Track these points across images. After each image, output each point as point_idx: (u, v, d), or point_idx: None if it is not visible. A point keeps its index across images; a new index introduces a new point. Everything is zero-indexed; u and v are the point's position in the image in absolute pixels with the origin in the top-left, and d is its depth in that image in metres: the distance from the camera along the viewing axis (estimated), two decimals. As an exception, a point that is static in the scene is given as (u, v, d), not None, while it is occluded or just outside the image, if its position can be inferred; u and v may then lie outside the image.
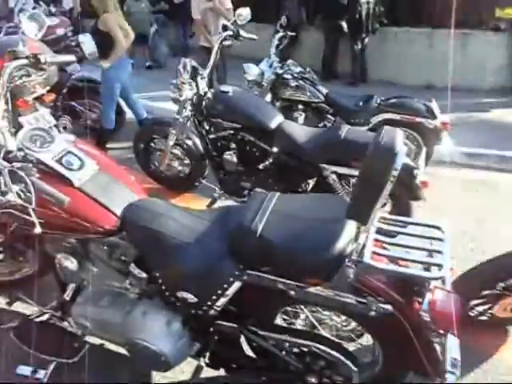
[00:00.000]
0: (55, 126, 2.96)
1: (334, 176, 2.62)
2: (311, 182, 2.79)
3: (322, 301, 1.33)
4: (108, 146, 4.45)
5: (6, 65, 1.67)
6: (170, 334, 1.53)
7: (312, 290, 1.29)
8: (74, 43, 5.05)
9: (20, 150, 1.52)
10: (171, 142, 3.08)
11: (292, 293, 1.33)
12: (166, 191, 3.42)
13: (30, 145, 1.51)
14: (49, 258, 1.78)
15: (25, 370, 1.76)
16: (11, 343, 1.77)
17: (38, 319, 1.90)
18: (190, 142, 3.16)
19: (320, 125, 3.77)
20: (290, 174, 2.78)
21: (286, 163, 2.75)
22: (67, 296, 1.77)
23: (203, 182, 3.28)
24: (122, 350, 1.82)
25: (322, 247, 1.22)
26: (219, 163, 2.95)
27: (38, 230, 1.34)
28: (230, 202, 3.02)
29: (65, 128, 3.57)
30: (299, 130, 2.75)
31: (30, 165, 1.41)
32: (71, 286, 1.77)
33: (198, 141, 3.11)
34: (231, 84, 2.96)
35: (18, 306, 2.07)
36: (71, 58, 1.97)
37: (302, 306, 1.62)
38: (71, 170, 1.53)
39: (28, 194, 1.27)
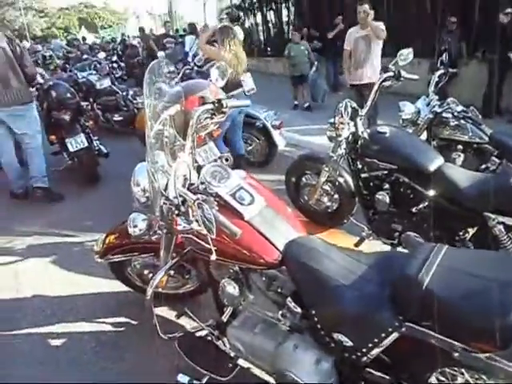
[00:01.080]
0: (219, 158, 3.30)
1: (500, 227, 2.37)
2: (471, 231, 2.58)
3: (492, 370, 1.21)
4: (261, 176, 4.78)
5: (196, 109, 1.95)
6: (320, 373, 1.55)
7: (482, 356, 1.19)
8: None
9: (202, 183, 1.74)
10: (323, 179, 3.17)
11: (456, 355, 1.24)
12: (314, 225, 3.49)
13: (210, 179, 1.71)
14: (212, 279, 1.97)
15: (184, 378, 1.95)
16: (175, 352, 1.99)
17: (198, 334, 2.11)
18: (341, 180, 3.20)
19: (482, 167, 3.48)
20: (448, 221, 2.60)
21: (443, 208, 2.59)
22: (225, 317, 1.93)
23: (351, 219, 3.27)
24: (269, 378, 1.90)
25: (502, 312, 1.12)
26: (370, 202, 2.92)
27: (213, 257, 1.51)
28: (379, 243, 2.96)
29: (226, 160, 3.92)
30: (461, 173, 2.58)
31: (212, 198, 1.60)
32: (229, 309, 1.92)
33: (349, 179, 3.14)
34: (386, 124, 2.94)
35: (182, 319, 2.33)
36: (247, 102, 2.21)
37: (464, 370, 1.49)
38: (243, 204, 1.69)
39: (209, 225, 1.44)
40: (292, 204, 3.71)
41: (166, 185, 1.82)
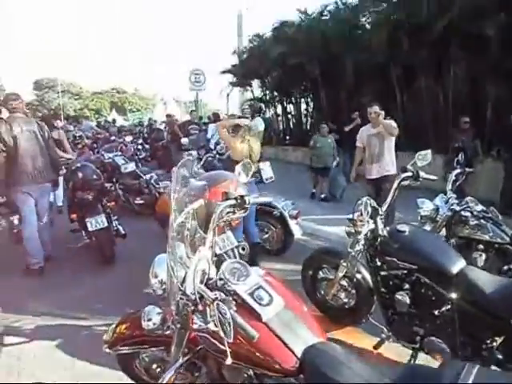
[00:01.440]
0: (236, 247, 3.29)
1: (530, 337, 2.25)
2: (499, 340, 2.43)
3: None
4: (277, 265, 4.74)
5: (218, 204, 1.99)
6: None
7: None
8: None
9: (221, 279, 1.72)
10: (341, 274, 3.11)
11: None
12: (330, 322, 3.36)
13: (229, 277, 1.69)
14: (224, 382, 1.86)
15: None
16: None
17: None
18: (359, 276, 3.13)
19: (504, 268, 3.39)
20: (473, 327, 2.48)
21: (467, 313, 2.48)
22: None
23: (370, 319, 3.14)
24: None
25: None
26: (389, 302, 2.82)
27: (228, 361, 1.44)
28: (399, 346, 2.81)
29: (243, 249, 3.93)
30: (485, 277, 2.50)
31: (230, 298, 1.57)
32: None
33: (367, 276, 3.07)
34: (405, 222, 2.93)
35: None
36: (269, 199, 2.26)
37: None
38: (261, 304, 1.65)
39: (227, 328, 1.39)
40: (307, 297, 3.61)
41: (184, 278, 1.80)
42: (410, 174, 3.06)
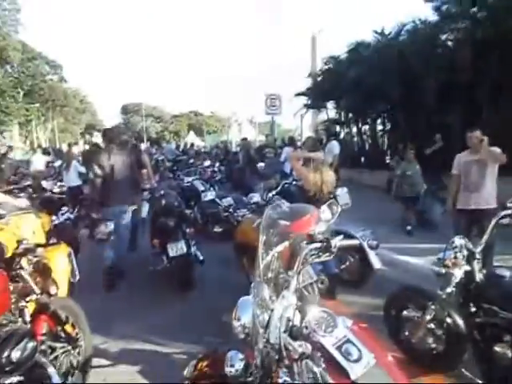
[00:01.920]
0: (315, 281, 3.19)
1: None
2: None
3: None
4: (355, 298, 4.56)
5: (303, 246, 1.94)
6: None
7: None
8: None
9: (306, 327, 1.66)
10: (429, 317, 2.89)
11: None
12: (415, 367, 3.12)
13: (315, 327, 1.62)
14: None
15: None
16: None
17: None
18: (450, 321, 2.89)
19: None
20: None
21: None
22: None
23: (461, 368, 2.87)
24: None
25: None
26: (486, 353, 2.56)
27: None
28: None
29: (322, 283, 3.80)
30: None
31: (318, 354, 1.49)
32: None
33: (460, 321, 2.82)
34: (506, 266, 2.67)
35: None
36: (356, 242, 2.17)
37: None
38: (349, 360, 1.55)
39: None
40: (390, 337, 3.41)
41: (268, 324, 1.77)
42: (510, 211, 2.80)
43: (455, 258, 2.54)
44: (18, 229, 3.10)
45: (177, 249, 4.74)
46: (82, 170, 9.29)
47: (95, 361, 3.44)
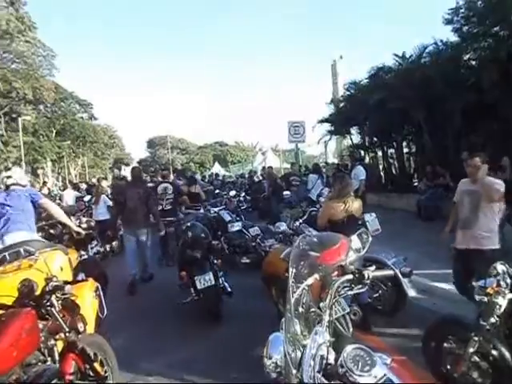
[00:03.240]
0: (347, 313, 3.07)
1: None
2: None
3: None
4: (390, 329, 4.37)
5: (335, 279, 1.86)
6: None
7: None
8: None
9: (341, 366, 1.56)
10: (472, 349, 2.71)
11: None
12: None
13: (352, 366, 1.52)
14: None
15: None
16: None
17: None
18: (496, 353, 2.70)
19: None
20: None
21: None
22: None
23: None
24: None
25: None
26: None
27: None
28: None
29: (355, 314, 3.68)
30: None
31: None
32: None
33: (507, 354, 2.63)
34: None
35: None
36: (390, 273, 2.07)
37: None
38: (390, 402, 1.45)
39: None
40: (430, 370, 3.22)
41: (300, 362, 1.68)
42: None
43: (498, 285, 2.39)
44: (46, 266, 3.12)
45: (204, 281, 4.68)
46: (111, 204, 9.47)
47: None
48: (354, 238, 2.01)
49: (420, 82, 11.91)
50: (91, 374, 2.69)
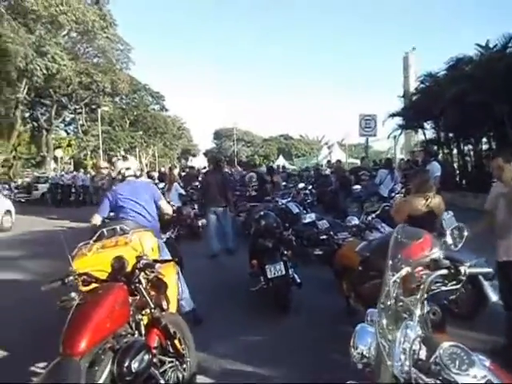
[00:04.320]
0: (427, 312, 2.94)
1: None
2: None
3: None
4: (465, 332, 4.15)
5: (428, 273, 1.80)
6: None
7: None
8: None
9: (436, 364, 1.50)
10: None
11: None
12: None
13: (449, 363, 1.46)
14: None
15: None
16: None
17: None
18: None
19: None
20: None
21: None
22: None
23: None
24: None
25: None
26: None
27: None
28: None
29: (434, 314, 3.52)
30: None
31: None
32: None
33: None
34: None
35: None
36: (489, 270, 1.96)
37: None
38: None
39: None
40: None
41: (388, 355, 1.64)
42: None
43: None
44: (140, 245, 3.30)
45: (275, 270, 4.73)
46: (183, 192, 9.83)
47: (199, 378, 3.52)
48: (450, 232, 1.92)
49: (505, 73, 11.09)
50: (171, 350, 2.83)
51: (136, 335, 2.53)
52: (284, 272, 4.76)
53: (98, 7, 29.24)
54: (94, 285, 2.58)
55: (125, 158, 4.61)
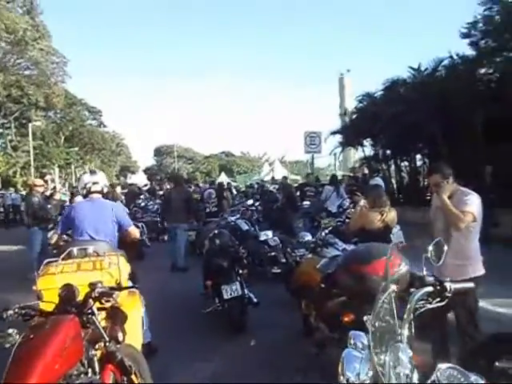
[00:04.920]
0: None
1: None
2: None
3: None
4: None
5: (414, 291, 1.73)
6: None
7: None
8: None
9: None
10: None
11: None
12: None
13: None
14: None
15: None
16: None
17: None
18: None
19: None
20: None
21: None
22: None
23: None
24: None
25: None
26: None
27: None
28: None
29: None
30: None
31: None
32: None
33: None
34: None
35: None
36: (471, 285, 1.93)
37: None
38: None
39: None
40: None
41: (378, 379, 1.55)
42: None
43: None
44: (118, 271, 2.96)
45: (231, 291, 4.54)
46: (127, 210, 9.36)
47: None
48: (430, 248, 1.88)
49: (436, 96, 11.84)
50: (127, 385, 2.55)
51: (89, 374, 2.24)
52: (240, 292, 4.59)
53: (30, 16, 27.80)
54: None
55: (92, 172, 4.20)
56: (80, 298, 2.29)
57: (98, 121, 49.84)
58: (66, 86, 36.67)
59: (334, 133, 17.45)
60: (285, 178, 12.62)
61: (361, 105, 17.16)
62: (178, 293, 6.47)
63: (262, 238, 6.94)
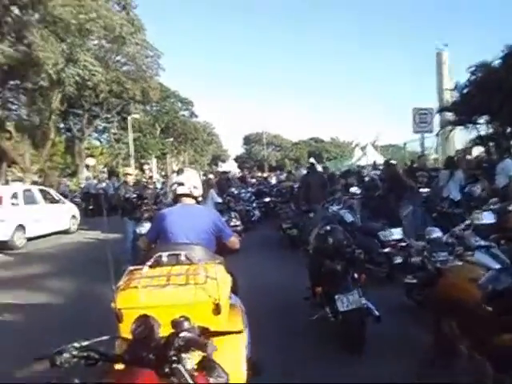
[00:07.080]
0: None
1: None
2: None
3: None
4: None
5: None
6: None
7: None
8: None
9: None
10: None
11: None
12: None
13: None
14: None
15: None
16: None
17: None
18: None
19: None
20: None
21: None
22: None
23: None
24: None
25: None
26: None
27: None
28: None
29: None
30: None
31: None
32: None
33: None
34: None
35: None
36: None
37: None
38: None
39: None
40: None
41: None
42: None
43: None
44: (217, 289, 2.22)
45: (348, 302, 3.65)
46: (219, 200, 8.92)
47: None
48: None
49: None
50: None
51: None
52: (359, 304, 3.68)
53: (126, 12, 28.88)
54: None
55: (179, 172, 3.38)
56: (162, 333, 1.57)
57: (189, 111, 51.33)
58: (159, 79, 37.99)
59: (442, 110, 15.48)
60: (390, 162, 11.14)
61: (474, 77, 14.99)
62: (275, 293, 5.71)
63: (385, 238, 5.81)
